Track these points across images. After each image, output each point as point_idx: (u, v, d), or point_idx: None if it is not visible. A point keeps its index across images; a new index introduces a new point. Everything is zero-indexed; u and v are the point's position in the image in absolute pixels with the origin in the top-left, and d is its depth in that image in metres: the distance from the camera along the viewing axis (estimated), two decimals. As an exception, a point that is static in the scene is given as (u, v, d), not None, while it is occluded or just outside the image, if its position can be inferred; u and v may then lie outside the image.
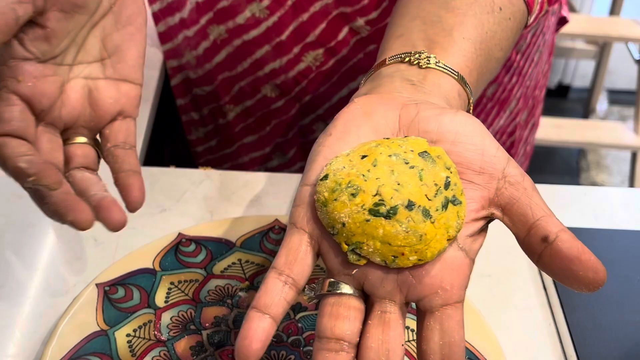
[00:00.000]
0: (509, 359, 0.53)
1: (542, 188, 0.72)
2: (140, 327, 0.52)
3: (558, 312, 0.58)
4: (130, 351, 0.50)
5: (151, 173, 0.68)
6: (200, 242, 0.59)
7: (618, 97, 2.65)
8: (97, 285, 0.54)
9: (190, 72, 0.80)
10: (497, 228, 0.66)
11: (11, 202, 0.64)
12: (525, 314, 0.59)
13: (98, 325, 0.52)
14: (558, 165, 2.36)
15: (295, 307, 0.54)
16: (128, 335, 0.51)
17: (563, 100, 2.69)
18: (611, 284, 0.60)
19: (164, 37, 0.79)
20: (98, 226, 0.61)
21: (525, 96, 0.83)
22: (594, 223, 0.67)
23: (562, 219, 0.67)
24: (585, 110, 2.56)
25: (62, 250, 0.60)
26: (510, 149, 0.85)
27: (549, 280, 0.60)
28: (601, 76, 2.47)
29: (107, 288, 0.54)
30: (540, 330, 0.58)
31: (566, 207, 0.69)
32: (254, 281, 0.56)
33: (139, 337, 0.51)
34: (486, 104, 0.79)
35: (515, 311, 0.59)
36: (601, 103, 2.58)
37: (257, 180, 0.68)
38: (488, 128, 0.81)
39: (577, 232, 0.64)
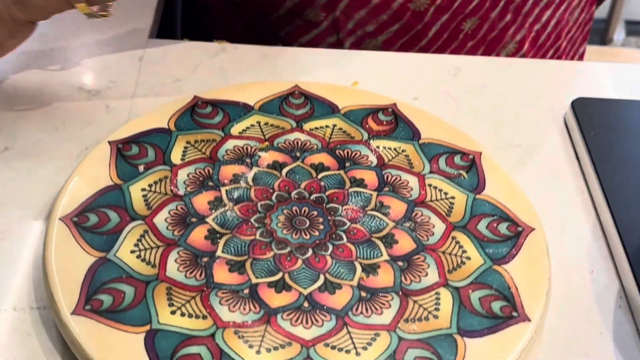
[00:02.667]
0: (544, 226, 0.50)
1: (573, 65, 0.68)
2: (155, 183, 0.50)
3: (592, 181, 0.55)
4: (145, 204, 0.48)
5: (164, 45, 0.65)
6: (217, 104, 0.56)
7: (636, 28, 2.59)
8: (110, 142, 0.52)
9: None
10: (526, 98, 0.64)
11: (16, 73, 0.61)
12: (557, 183, 0.56)
13: (111, 180, 0.49)
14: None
15: (318, 167, 0.52)
16: (143, 190, 0.49)
17: (579, 31, 2.63)
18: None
19: None
20: (109, 95, 0.59)
21: (534, 41, 0.76)
22: (630, 95, 0.64)
23: (597, 91, 0.64)
24: (602, 41, 2.51)
25: (73, 117, 0.57)
26: None
27: (582, 148, 0.57)
28: (619, 6, 2.41)
29: (120, 145, 0.52)
30: (573, 199, 0.55)
31: (601, 81, 0.66)
32: (274, 142, 0.53)
33: (154, 192, 0.49)
34: (466, 40, 0.73)
35: (547, 180, 0.56)
36: (618, 34, 2.53)
37: (275, 53, 0.65)
38: None
39: (615, 104, 0.62)
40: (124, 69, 0.62)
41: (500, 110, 0.62)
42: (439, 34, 0.72)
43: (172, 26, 0.76)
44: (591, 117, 0.59)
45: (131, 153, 0.51)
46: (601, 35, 2.53)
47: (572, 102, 0.60)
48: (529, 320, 0.44)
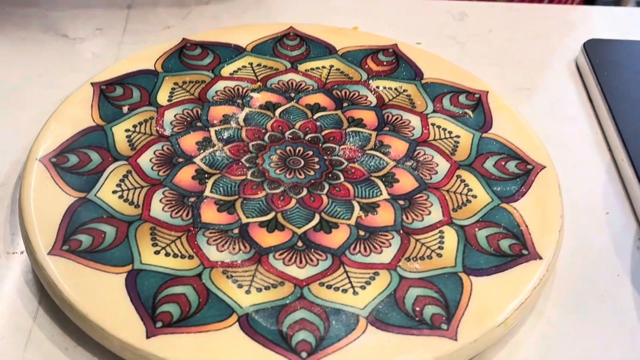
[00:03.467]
0: (557, 168, 0.47)
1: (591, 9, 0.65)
2: (140, 124, 0.47)
3: (606, 121, 0.52)
4: (129, 145, 0.45)
5: (154, -7, 0.62)
6: (206, 46, 0.53)
7: (647, 7, 2.55)
8: (92, 84, 0.49)
9: None
10: (535, 42, 0.60)
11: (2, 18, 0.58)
12: (570, 124, 0.53)
13: (94, 121, 0.47)
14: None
15: (313, 107, 0.49)
16: (127, 130, 0.46)
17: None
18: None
19: None
20: (94, 42, 0.56)
21: None
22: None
23: (607, 34, 0.61)
24: (613, 20, 2.46)
25: (56, 64, 0.54)
26: None
27: (594, 89, 0.54)
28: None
29: (103, 87, 0.49)
30: (587, 140, 0.52)
31: (610, 24, 0.63)
32: (268, 83, 0.50)
33: (139, 133, 0.46)
34: None
35: (559, 122, 0.53)
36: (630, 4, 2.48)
37: (270, 0, 0.62)
38: None
39: (627, 45, 0.58)
40: (111, 16, 0.59)
41: (507, 54, 0.59)
42: None
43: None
44: (603, 58, 0.56)
45: (115, 94, 0.48)
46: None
47: (584, 44, 0.57)
48: (540, 258, 0.40)
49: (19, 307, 0.39)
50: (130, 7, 0.60)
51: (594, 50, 0.57)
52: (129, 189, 0.43)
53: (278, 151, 0.46)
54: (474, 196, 0.44)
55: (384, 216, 0.42)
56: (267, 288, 0.38)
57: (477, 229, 0.42)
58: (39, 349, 0.37)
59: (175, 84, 0.50)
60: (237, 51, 0.53)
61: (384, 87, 0.51)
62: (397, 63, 0.53)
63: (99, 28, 0.58)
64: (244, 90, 0.50)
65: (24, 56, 0.55)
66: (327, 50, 0.53)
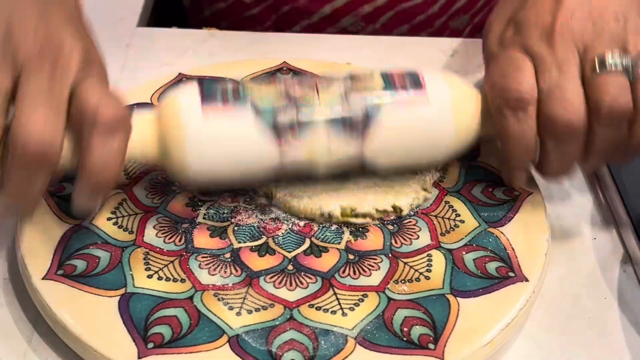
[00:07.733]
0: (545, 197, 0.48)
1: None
2: (136, 154, 0.48)
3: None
4: (125, 175, 0.46)
5: (151, 32, 0.64)
6: (202, 81, 0.54)
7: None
8: (90, 117, 0.50)
9: None
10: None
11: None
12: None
13: (90, 151, 0.48)
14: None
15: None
16: (123, 160, 0.47)
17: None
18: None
19: None
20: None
21: None
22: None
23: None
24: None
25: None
26: None
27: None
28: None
29: (101, 119, 0.50)
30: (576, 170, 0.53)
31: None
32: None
33: (135, 163, 0.47)
34: None
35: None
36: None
37: (264, 38, 0.64)
38: None
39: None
40: (109, 54, 0.60)
41: (496, 87, 0.60)
42: None
43: (163, 16, 0.74)
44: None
45: (112, 126, 0.49)
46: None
47: (571, 77, 0.58)
48: (527, 280, 0.41)
49: (14, 331, 0.40)
50: (129, 45, 0.62)
51: (581, 82, 0.58)
52: (123, 216, 0.44)
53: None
54: (462, 221, 0.45)
55: (373, 240, 0.43)
56: (257, 310, 0.39)
57: (464, 253, 0.43)
58: (32, 371, 0.38)
59: (171, 116, 0.51)
60: (231, 85, 0.54)
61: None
62: (387, 95, 0.54)
63: (98, 65, 0.59)
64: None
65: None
66: (319, 83, 0.54)
